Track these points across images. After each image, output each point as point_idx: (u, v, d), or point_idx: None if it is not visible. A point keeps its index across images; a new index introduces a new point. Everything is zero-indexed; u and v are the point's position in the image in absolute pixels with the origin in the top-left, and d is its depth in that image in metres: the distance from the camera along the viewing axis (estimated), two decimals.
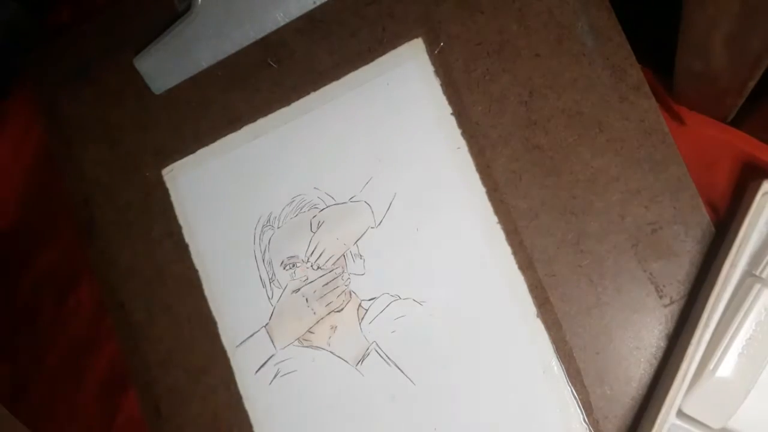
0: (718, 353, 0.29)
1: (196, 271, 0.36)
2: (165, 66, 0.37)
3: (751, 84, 0.26)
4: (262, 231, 0.36)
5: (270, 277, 0.35)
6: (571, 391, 0.31)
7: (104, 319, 0.39)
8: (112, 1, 0.39)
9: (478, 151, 0.33)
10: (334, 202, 0.35)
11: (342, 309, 0.34)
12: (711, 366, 0.29)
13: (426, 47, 0.34)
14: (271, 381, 0.35)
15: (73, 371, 0.40)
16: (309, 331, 0.35)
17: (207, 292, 0.36)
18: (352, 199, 0.34)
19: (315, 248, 0.35)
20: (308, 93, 0.35)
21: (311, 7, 0.35)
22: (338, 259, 0.35)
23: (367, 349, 0.34)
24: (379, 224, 0.34)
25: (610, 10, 0.32)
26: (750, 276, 0.29)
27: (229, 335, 0.36)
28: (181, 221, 0.37)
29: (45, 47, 0.40)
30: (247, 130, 0.36)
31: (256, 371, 0.35)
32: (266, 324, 0.35)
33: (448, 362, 0.33)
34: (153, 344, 0.37)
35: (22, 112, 0.42)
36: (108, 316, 0.38)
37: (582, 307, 0.32)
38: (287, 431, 0.35)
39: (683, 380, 0.28)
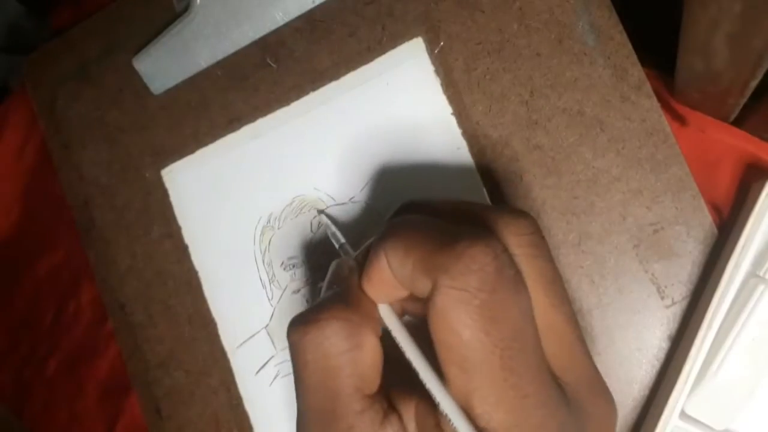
0: (722, 354, 0.29)
1: (195, 272, 0.36)
2: (164, 66, 0.37)
3: (753, 83, 0.26)
4: (262, 232, 0.36)
5: (270, 277, 0.35)
6: None
7: (105, 324, 0.39)
8: (111, 1, 0.39)
9: (479, 151, 0.33)
10: (334, 203, 0.35)
11: None
12: (714, 367, 0.29)
13: (426, 47, 0.34)
14: (272, 382, 0.35)
15: (74, 376, 0.40)
16: None
17: (207, 293, 0.36)
18: (352, 200, 0.34)
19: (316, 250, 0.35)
20: (307, 93, 0.35)
21: (310, 6, 0.35)
22: None
23: None
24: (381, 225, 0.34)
25: (611, 9, 0.31)
26: (754, 277, 0.29)
27: (229, 336, 0.36)
28: (181, 222, 0.37)
29: (43, 48, 0.40)
30: (247, 130, 0.36)
31: (257, 372, 0.35)
32: (267, 325, 0.35)
33: None
34: (153, 345, 0.37)
35: (25, 113, 0.42)
36: (109, 321, 0.38)
37: (583, 308, 0.31)
38: None
39: (686, 381, 0.28)
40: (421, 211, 0.23)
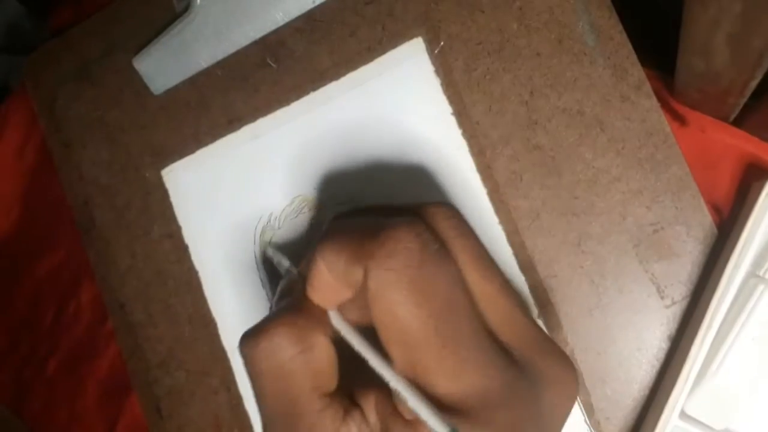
0: (721, 354, 0.29)
1: (196, 272, 0.36)
2: (164, 66, 0.37)
3: (753, 83, 0.26)
4: (262, 232, 0.36)
5: (270, 277, 0.35)
6: None
7: (105, 323, 0.39)
8: (111, 1, 0.39)
9: (479, 151, 0.33)
10: (334, 203, 0.35)
11: None
12: (714, 367, 0.29)
13: (426, 47, 0.34)
14: None
15: (74, 376, 0.40)
16: None
17: (207, 293, 0.36)
18: (352, 200, 0.34)
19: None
20: (308, 93, 0.35)
21: (310, 6, 0.35)
22: None
23: None
24: None
25: (611, 9, 0.31)
26: (753, 277, 0.29)
27: (229, 336, 0.36)
28: (181, 222, 0.37)
29: (43, 48, 0.40)
30: (247, 130, 0.36)
31: None
32: None
33: None
34: (153, 345, 0.37)
35: (25, 113, 0.42)
36: (109, 320, 0.38)
37: (583, 308, 0.31)
38: None
39: (686, 381, 0.28)
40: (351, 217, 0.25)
